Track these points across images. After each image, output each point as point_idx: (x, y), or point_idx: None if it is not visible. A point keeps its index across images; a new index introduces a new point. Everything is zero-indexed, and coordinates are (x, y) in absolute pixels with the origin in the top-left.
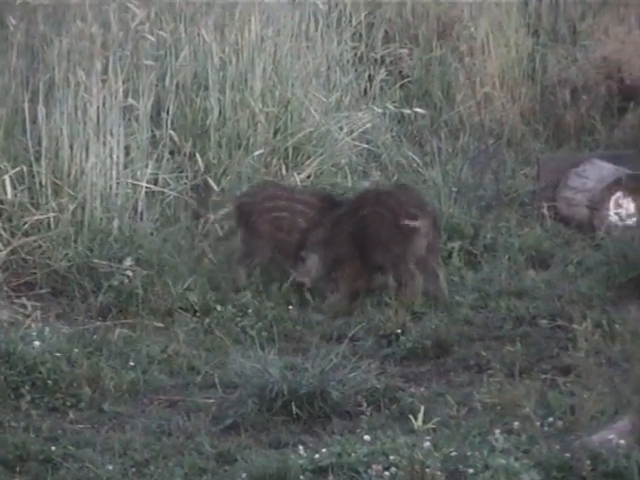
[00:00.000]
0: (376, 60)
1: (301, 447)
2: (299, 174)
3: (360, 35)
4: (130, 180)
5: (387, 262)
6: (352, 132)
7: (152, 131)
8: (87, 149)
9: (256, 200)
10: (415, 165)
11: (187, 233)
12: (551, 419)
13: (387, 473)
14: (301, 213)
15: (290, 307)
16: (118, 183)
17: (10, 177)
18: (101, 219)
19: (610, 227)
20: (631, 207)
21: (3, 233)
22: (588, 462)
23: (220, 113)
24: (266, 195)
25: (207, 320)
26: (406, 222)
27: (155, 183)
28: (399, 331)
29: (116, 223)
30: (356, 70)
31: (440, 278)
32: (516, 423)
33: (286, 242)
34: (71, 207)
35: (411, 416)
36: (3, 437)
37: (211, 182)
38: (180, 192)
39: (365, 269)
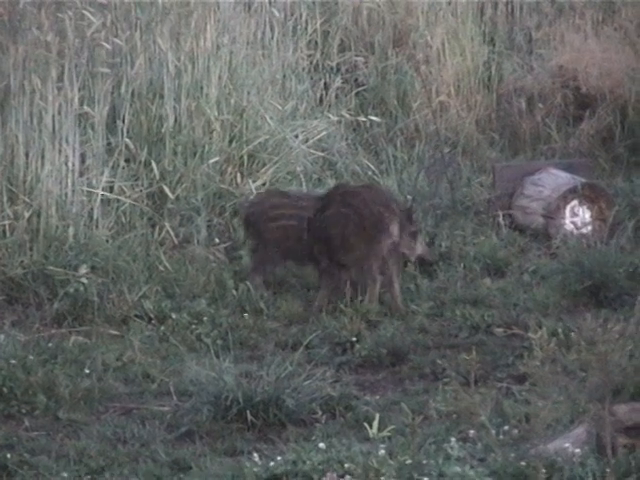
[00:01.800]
0: (332, 68)
1: (256, 455)
2: (254, 182)
3: (316, 43)
4: (86, 188)
5: (350, 262)
6: (307, 140)
7: (108, 139)
8: (42, 156)
9: (263, 209)
10: (370, 173)
11: (143, 241)
12: (506, 427)
13: None
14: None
15: (245, 315)
16: (74, 191)
17: None
18: (57, 227)
19: (566, 235)
20: (586, 215)
21: None
22: (543, 470)
23: (175, 121)
24: (272, 204)
25: (162, 328)
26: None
27: (110, 191)
28: (354, 339)
29: (71, 231)
30: (312, 78)
31: (395, 286)
32: (471, 431)
33: (295, 249)
34: (26, 214)
35: (366, 424)
36: None
37: (166, 190)
38: (135, 200)
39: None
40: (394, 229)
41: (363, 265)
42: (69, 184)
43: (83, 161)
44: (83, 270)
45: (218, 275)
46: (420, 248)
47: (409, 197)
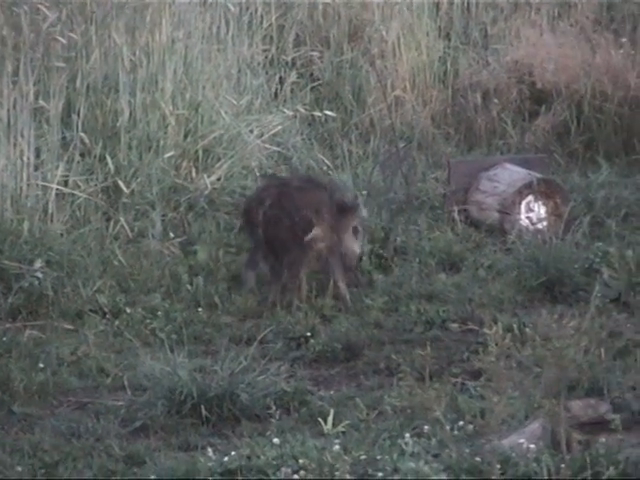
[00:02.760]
0: (287, 63)
1: (210, 450)
2: (209, 177)
3: (271, 38)
4: (40, 182)
5: (284, 265)
6: (262, 135)
7: (63, 133)
8: None
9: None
10: (325, 168)
11: (97, 235)
12: (461, 423)
13: (296, 476)
14: None
15: (200, 309)
16: (28, 185)
17: None
18: (11, 221)
19: (521, 231)
20: (542, 211)
21: None
22: (498, 466)
23: (130, 115)
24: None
25: (117, 322)
26: (305, 237)
27: (65, 185)
28: (309, 334)
29: (26, 225)
30: (267, 73)
31: (341, 285)
32: (426, 427)
33: None
34: None
35: (320, 419)
36: None
37: (121, 184)
38: (90, 194)
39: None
40: (320, 233)
41: (291, 270)
42: (24, 178)
43: (38, 155)
44: (38, 264)
45: (173, 270)
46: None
47: (357, 193)
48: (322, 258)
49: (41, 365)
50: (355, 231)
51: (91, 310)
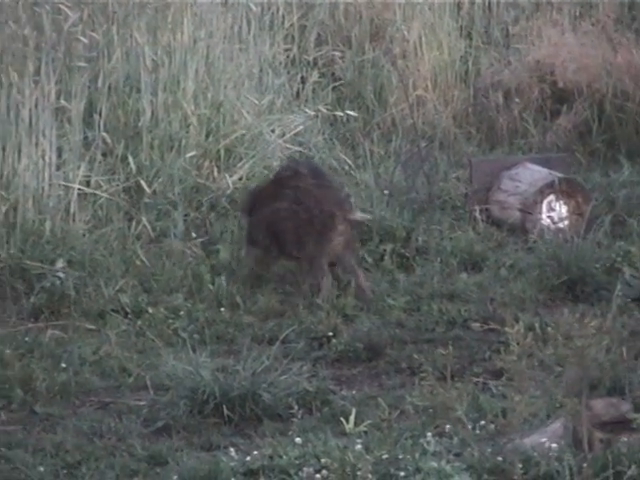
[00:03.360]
0: (309, 62)
1: (232, 449)
2: (231, 176)
3: (293, 37)
4: (62, 182)
5: (301, 259)
6: (284, 134)
7: (84, 133)
8: (19, 150)
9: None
10: (347, 167)
11: (119, 235)
12: (483, 422)
13: (318, 476)
14: None
15: (222, 309)
16: (50, 185)
17: None
18: (33, 221)
19: (542, 230)
20: (563, 210)
21: None
22: (520, 465)
23: (152, 115)
24: None
25: (139, 322)
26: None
27: (87, 185)
28: (331, 333)
29: (48, 225)
30: (288, 72)
31: (361, 277)
32: (448, 426)
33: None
34: (3, 208)
35: (342, 419)
36: None
37: (143, 184)
38: (112, 194)
39: (273, 256)
40: (345, 227)
41: (313, 263)
42: (46, 178)
43: (60, 155)
44: (60, 264)
45: (195, 269)
46: None
47: (386, 192)
48: (340, 253)
49: (63, 365)
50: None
51: (113, 310)
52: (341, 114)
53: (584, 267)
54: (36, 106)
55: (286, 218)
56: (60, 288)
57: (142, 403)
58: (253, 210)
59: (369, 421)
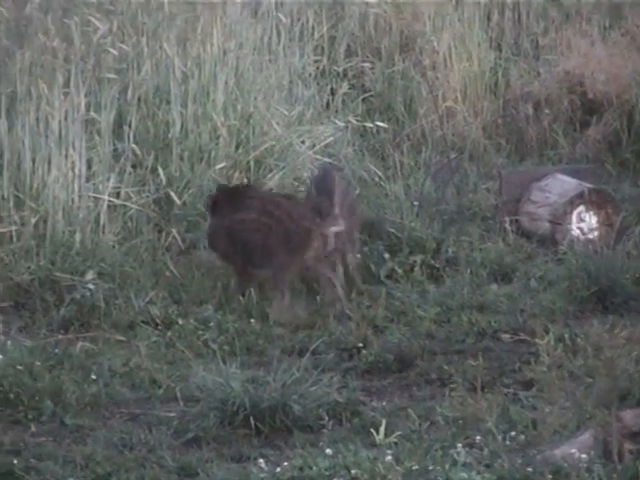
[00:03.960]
0: (338, 74)
1: (262, 461)
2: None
3: (322, 48)
4: (92, 193)
5: (269, 271)
6: (314, 146)
7: (114, 144)
8: (49, 162)
9: None
10: (377, 179)
11: (149, 246)
12: (513, 433)
13: None
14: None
15: (252, 320)
16: (80, 196)
17: None
18: (63, 232)
19: (572, 241)
20: (593, 221)
21: None
22: (550, 476)
23: (182, 126)
24: None
25: (169, 333)
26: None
27: (117, 196)
28: (361, 345)
29: (78, 236)
30: (318, 84)
31: (337, 288)
32: (478, 437)
33: None
34: (33, 220)
35: (373, 430)
36: None
37: (173, 195)
38: (142, 205)
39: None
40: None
41: (277, 277)
42: (76, 190)
43: (89, 167)
44: (90, 276)
45: (224, 281)
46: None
47: (416, 203)
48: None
49: (93, 377)
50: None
51: (143, 321)
52: (371, 125)
53: (614, 278)
54: (66, 118)
55: (256, 230)
56: (90, 300)
57: (172, 414)
58: (218, 211)
59: (399, 432)
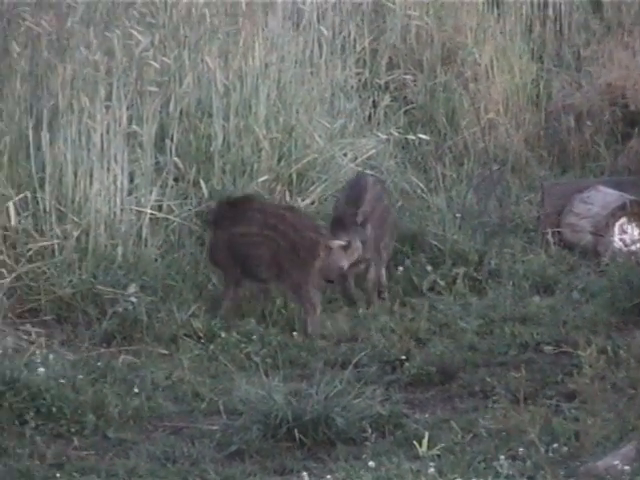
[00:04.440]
0: (380, 86)
1: (305, 473)
2: (303, 200)
3: (364, 61)
4: (134, 206)
5: (285, 288)
6: (356, 158)
7: (156, 157)
8: (91, 175)
9: None
10: (419, 191)
11: (191, 259)
12: (556, 445)
13: None
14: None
15: (294, 333)
16: (122, 209)
17: (14, 203)
18: (105, 245)
19: (614, 253)
20: (635, 233)
21: (7, 260)
22: None
23: (224, 139)
24: None
25: (211, 347)
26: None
27: (159, 209)
28: (403, 357)
29: (120, 249)
30: (360, 96)
31: (316, 313)
32: (521, 449)
33: None
34: (75, 233)
35: (416, 442)
36: (8, 464)
37: None
38: (184, 219)
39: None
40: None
41: (300, 291)
42: (118, 203)
43: (132, 180)
44: (132, 289)
45: (267, 294)
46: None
47: (458, 215)
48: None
49: (136, 390)
50: (345, 247)
51: (186, 334)
52: (413, 138)
53: None
54: (108, 131)
55: (259, 243)
56: (132, 313)
57: (215, 428)
58: (221, 224)
59: (442, 444)
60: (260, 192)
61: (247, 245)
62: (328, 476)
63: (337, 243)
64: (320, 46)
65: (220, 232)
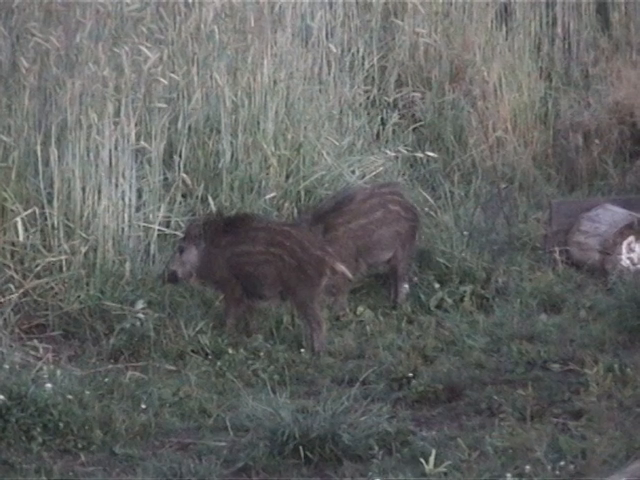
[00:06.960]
0: (389, 104)
1: None
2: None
3: (373, 78)
4: (142, 223)
5: (290, 305)
6: (364, 175)
7: (164, 174)
8: (99, 191)
9: None
10: (427, 209)
11: None
12: (562, 463)
13: None
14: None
15: (302, 350)
16: (130, 226)
17: (22, 219)
18: (113, 262)
19: (622, 271)
20: None
21: (15, 275)
22: None
23: (232, 156)
24: None
25: (219, 363)
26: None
27: (167, 226)
28: (410, 374)
29: (128, 266)
30: (368, 113)
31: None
32: (527, 467)
33: None
34: (83, 249)
35: (422, 460)
36: (15, 479)
37: None
38: None
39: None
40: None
41: (306, 309)
42: (126, 219)
43: (140, 196)
44: (140, 305)
45: (274, 310)
46: None
47: (466, 233)
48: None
49: (143, 406)
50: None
51: (193, 351)
52: (421, 155)
53: None
54: (116, 147)
55: (264, 262)
56: (140, 329)
57: (222, 444)
58: (217, 242)
59: (449, 462)
60: (267, 209)
61: (251, 264)
62: None
63: (342, 268)
64: (329, 63)
65: (218, 250)
